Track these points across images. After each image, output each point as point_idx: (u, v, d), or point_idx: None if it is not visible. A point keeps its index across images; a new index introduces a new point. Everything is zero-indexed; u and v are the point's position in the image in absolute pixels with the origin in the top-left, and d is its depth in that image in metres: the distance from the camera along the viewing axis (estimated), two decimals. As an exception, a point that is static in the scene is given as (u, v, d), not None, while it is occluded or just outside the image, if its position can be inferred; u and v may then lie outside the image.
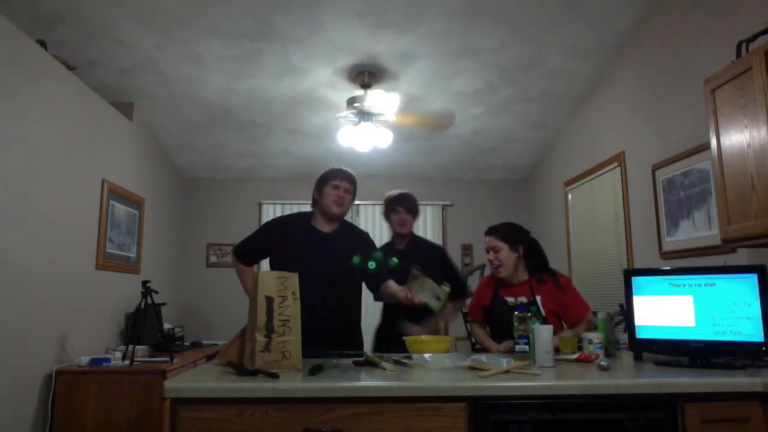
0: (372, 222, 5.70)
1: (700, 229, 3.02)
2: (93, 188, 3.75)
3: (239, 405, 1.63)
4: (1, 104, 2.78)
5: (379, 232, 5.21)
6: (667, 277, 2.16)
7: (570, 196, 4.88)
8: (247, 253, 2.61)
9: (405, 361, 2.05)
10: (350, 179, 2.55)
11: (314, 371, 1.82)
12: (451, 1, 3.39)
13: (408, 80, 4.25)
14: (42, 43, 3.27)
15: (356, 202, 2.97)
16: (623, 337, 2.34)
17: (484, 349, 2.60)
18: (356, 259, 2.41)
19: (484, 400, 1.67)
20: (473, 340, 3.10)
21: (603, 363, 1.95)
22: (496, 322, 2.56)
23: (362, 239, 2.62)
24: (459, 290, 2.82)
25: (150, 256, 4.75)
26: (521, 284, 2.54)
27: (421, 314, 2.65)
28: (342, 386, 1.66)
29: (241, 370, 1.81)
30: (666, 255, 3.33)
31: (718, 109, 2.44)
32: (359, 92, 4.13)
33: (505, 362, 1.91)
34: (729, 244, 2.46)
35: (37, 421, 3.08)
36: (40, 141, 3.12)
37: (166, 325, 4.43)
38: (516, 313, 2.12)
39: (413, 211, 2.98)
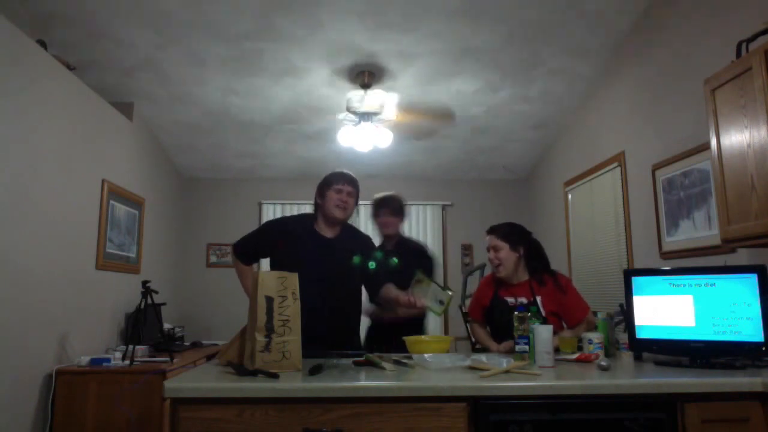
0: (372, 222, 5.68)
1: (700, 229, 3.02)
2: (93, 188, 3.75)
3: (239, 405, 1.63)
4: (1, 104, 2.78)
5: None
6: (667, 277, 2.16)
7: (570, 196, 4.87)
8: (247, 252, 2.59)
9: (405, 361, 2.05)
10: (353, 183, 2.51)
11: (314, 371, 1.82)
12: (451, 1, 3.39)
13: (408, 80, 4.25)
14: (42, 43, 3.27)
15: (356, 203, 2.97)
16: (623, 337, 2.34)
17: (485, 349, 2.60)
18: (356, 259, 2.40)
19: (484, 400, 1.67)
20: (473, 340, 3.10)
21: (603, 363, 1.95)
22: (496, 323, 2.56)
23: (364, 242, 2.61)
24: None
25: (150, 256, 4.75)
26: (521, 285, 2.54)
27: (410, 321, 2.68)
28: (342, 386, 1.66)
29: (241, 370, 1.81)
30: (666, 255, 3.33)
31: (718, 109, 2.44)
32: (359, 92, 4.13)
33: (505, 362, 1.91)
34: (729, 244, 2.46)
35: (37, 421, 3.08)
36: (40, 141, 3.12)
37: (166, 325, 4.43)
38: (516, 313, 2.12)
39: (398, 213, 2.99)
